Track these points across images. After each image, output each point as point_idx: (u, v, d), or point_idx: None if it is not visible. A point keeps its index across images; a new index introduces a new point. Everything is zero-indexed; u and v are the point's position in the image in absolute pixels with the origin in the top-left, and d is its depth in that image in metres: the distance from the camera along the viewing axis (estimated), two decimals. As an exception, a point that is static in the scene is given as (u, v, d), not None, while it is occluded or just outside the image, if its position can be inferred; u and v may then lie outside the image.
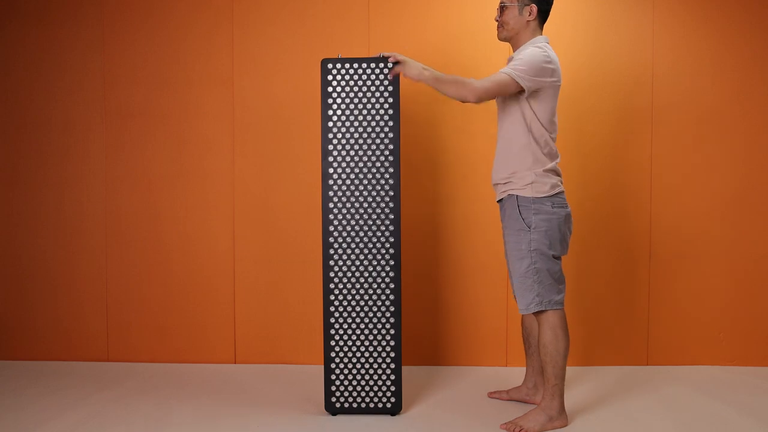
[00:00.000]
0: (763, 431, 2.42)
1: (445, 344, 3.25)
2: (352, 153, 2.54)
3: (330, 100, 2.55)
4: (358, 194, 2.55)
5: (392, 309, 2.56)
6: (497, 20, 2.49)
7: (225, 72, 3.26)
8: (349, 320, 2.56)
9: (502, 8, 2.46)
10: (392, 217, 2.54)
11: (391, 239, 2.55)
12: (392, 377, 2.56)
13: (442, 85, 2.38)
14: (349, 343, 2.56)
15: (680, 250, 3.22)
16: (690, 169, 3.21)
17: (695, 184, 3.21)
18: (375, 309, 2.56)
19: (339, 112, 2.54)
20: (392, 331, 2.55)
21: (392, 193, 2.54)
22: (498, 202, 2.57)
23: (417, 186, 3.23)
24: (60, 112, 3.31)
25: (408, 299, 3.23)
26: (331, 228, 2.55)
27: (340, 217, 2.55)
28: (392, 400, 2.57)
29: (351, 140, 2.54)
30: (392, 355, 2.55)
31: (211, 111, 3.27)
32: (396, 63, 2.46)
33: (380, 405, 2.57)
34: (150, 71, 3.28)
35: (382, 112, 2.54)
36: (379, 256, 2.55)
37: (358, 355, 2.56)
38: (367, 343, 2.56)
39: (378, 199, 2.54)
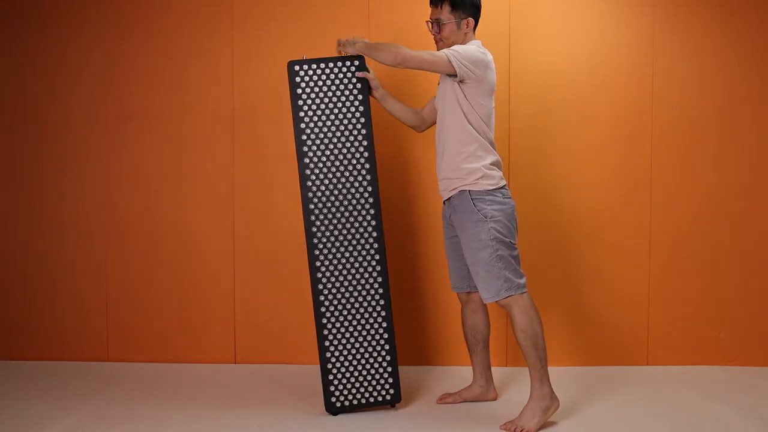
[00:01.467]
0: (763, 431, 2.42)
1: (445, 344, 3.24)
2: (327, 153, 2.56)
3: (300, 102, 2.57)
4: (337, 193, 2.56)
5: (382, 302, 2.57)
6: (435, 35, 2.56)
7: (225, 72, 3.26)
8: (341, 318, 2.57)
9: (440, 25, 2.52)
10: (373, 212, 2.57)
11: (374, 234, 2.57)
12: (389, 369, 2.58)
13: (372, 50, 2.51)
14: (343, 341, 2.56)
15: (680, 250, 3.22)
16: (690, 169, 3.21)
17: (695, 184, 3.21)
18: (366, 304, 2.57)
19: (311, 113, 2.57)
20: (384, 324, 2.58)
21: (371, 189, 2.57)
22: (446, 201, 2.59)
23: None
24: (60, 113, 3.31)
25: (405, 299, 3.23)
26: (314, 229, 2.56)
27: (321, 217, 2.56)
28: (391, 391, 2.59)
29: (325, 140, 2.56)
30: (387, 347, 2.57)
31: (211, 111, 3.27)
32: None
33: (379, 398, 2.59)
34: (150, 71, 3.28)
35: (353, 109, 2.57)
36: (364, 252, 2.57)
37: (354, 352, 2.57)
38: (361, 339, 2.57)
39: (357, 196, 2.57)
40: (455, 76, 2.45)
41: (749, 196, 3.21)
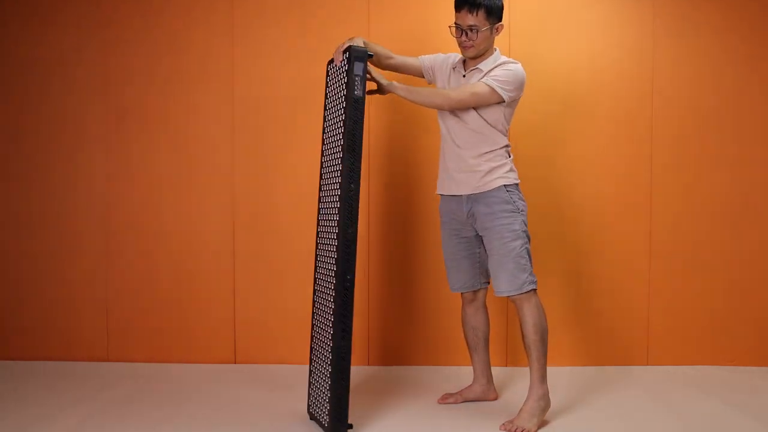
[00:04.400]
0: (763, 431, 2.42)
1: (445, 344, 3.24)
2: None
3: (325, 101, 2.57)
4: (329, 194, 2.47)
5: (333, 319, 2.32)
6: (465, 41, 2.50)
7: (225, 72, 3.26)
8: (321, 325, 2.48)
9: (476, 31, 2.46)
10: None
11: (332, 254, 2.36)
12: (329, 393, 2.30)
13: (414, 95, 2.49)
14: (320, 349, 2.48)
15: (680, 250, 3.22)
16: (690, 169, 3.21)
17: (695, 184, 3.21)
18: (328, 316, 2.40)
19: (326, 112, 2.56)
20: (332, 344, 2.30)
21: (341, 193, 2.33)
22: (464, 198, 2.57)
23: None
24: (60, 113, 3.31)
25: (405, 299, 3.23)
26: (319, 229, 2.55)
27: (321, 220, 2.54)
28: (326, 418, 2.31)
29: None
30: (330, 370, 2.29)
31: (211, 111, 3.27)
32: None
33: (322, 419, 2.35)
34: (150, 71, 3.28)
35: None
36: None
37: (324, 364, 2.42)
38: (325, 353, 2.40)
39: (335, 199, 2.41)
40: (501, 101, 2.48)
41: (749, 196, 3.21)
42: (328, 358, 2.31)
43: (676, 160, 3.21)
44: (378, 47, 2.65)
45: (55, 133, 3.32)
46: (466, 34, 2.48)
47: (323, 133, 2.55)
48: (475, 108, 2.50)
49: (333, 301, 2.30)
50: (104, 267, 3.31)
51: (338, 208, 2.31)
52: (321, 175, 2.53)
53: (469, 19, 2.45)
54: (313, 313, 2.53)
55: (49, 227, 3.33)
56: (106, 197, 3.31)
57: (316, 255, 2.53)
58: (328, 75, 2.57)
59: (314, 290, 2.53)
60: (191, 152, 3.28)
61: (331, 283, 2.33)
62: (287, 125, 3.24)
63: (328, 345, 2.31)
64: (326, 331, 2.35)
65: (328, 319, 2.34)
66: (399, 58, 2.73)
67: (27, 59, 3.31)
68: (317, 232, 2.53)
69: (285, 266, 3.26)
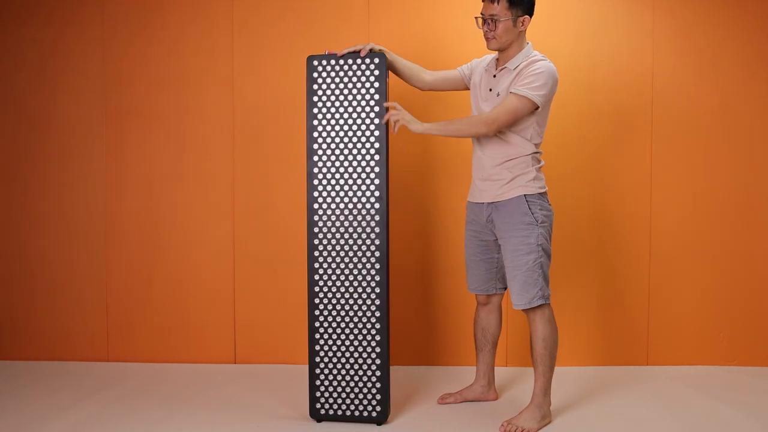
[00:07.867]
0: (763, 431, 2.42)
1: (446, 344, 3.24)
2: (337, 152, 2.49)
3: (315, 98, 2.50)
4: (343, 194, 2.48)
5: (378, 314, 2.46)
6: (487, 32, 2.43)
7: (225, 72, 3.26)
8: (334, 325, 2.49)
9: (496, 22, 2.39)
10: (378, 218, 2.46)
11: (377, 241, 2.46)
12: (378, 385, 2.46)
13: (451, 129, 2.43)
14: (334, 348, 2.50)
15: (680, 250, 3.22)
16: (690, 169, 3.21)
17: (695, 184, 3.21)
18: (360, 314, 2.48)
19: (324, 110, 2.50)
20: (378, 338, 2.46)
21: (378, 194, 2.46)
22: (486, 204, 2.53)
23: (409, 185, 3.23)
24: (60, 113, 3.31)
25: (405, 297, 3.23)
26: (316, 229, 2.50)
27: (324, 218, 2.49)
28: (378, 408, 2.47)
29: (336, 139, 2.49)
30: (378, 362, 2.46)
31: (211, 111, 3.27)
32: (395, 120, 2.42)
33: (365, 414, 2.49)
34: (150, 71, 3.28)
35: (368, 109, 2.47)
36: (364, 259, 2.47)
37: (343, 361, 2.49)
38: (352, 349, 2.48)
39: (363, 199, 2.47)
40: (536, 108, 2.39)
41: (749, 195, 3.21)
42: (371, 354, 2.47)
43: (676, 160, 3.21)
44: (404, 61, 2.60)
45: (55, 134, 3.32)
46: (488, 24, 2.41)
47: (322, 129, 2.50)
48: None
49: (375, 302, 2.46)
50: (104, 267, 3.32)
51: (377, 209, 2.45)
52: (340, 172, 2.49)
53: (491, 8, 2.38)
54: (320, 315, 2.50)
55: (49, 228, 3.33)
56: (105, 197, 3.31)
57: (334, 257, 2.49)
58: (316, 71, 2.50)
59: (328, 293, 2.50)
60: (191, 152, 3.28)
61: (372, 283, 2.46)
62: (287, 125, 3.23)
63: (368, 342, 2.47)
64: (362, 330, 2.48)
65: (365, 319, 2.47)
66: (438, 74, 2.65)
67: (25, 59, 3.31)
68: (334, 232, 2.50)
69: (285, 266, 3.26)
